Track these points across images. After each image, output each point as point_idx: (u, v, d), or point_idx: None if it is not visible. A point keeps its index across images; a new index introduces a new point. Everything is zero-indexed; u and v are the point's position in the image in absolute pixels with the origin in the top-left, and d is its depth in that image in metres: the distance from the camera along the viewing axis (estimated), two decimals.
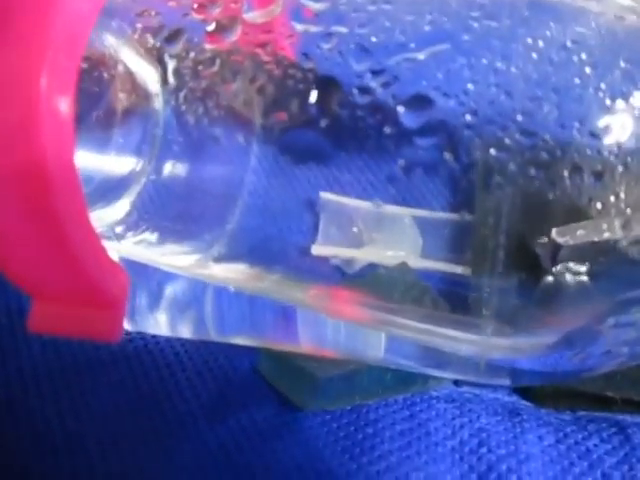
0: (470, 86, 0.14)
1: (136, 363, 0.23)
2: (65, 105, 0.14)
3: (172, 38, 0.16)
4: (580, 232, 0.15)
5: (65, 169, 0.15)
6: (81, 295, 0.16)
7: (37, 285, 0.16)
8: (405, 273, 0.17)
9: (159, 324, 0.20)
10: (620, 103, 0.13)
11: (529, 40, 0.14)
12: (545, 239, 0.15)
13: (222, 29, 0.16)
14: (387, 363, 0.20)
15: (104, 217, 0.18)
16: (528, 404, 0.23)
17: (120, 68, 0.17)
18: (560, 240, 0.15)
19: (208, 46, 0.16)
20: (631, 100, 0.13)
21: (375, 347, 0.18)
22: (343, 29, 0.15)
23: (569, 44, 0.13)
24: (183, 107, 0.16)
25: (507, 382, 0.17)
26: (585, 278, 0.15)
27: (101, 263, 0.16)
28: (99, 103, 0.17)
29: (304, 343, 0.19)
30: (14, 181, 0.14)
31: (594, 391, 0.21)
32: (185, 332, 0.20)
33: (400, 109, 0.14)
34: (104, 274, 0.16)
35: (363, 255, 0.18)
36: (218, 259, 0.18)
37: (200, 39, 0.16)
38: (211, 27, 0.16)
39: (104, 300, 0.16)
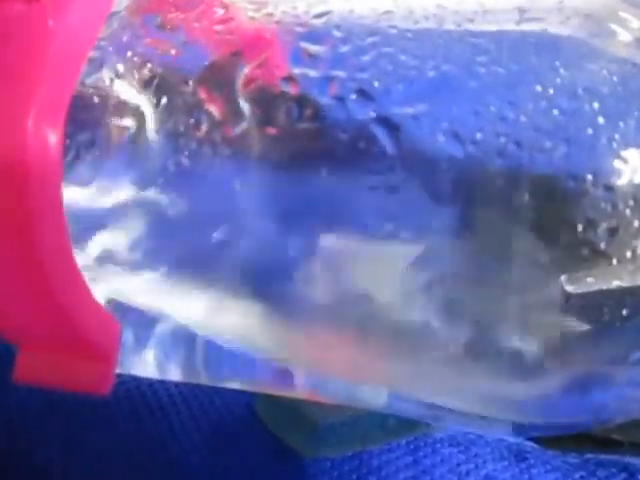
0: (478, 135, 0.13)
1: (128, 406, 0.23)
2: (54, 141, 0.13)
3: (162, 81, 0.16)
4: (590, 280, 0.14)
5: (52, 213, 0.14)
6: (69, 346, 0.15)
7: (22, 334, 0.15)
8: None
9: (146, 366, 0.19)
10: (635, 154, 0.13)
11: (538, 87, 0.13)
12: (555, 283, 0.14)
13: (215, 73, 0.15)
14: (389, 411, 0.19)
15: (94, 254, 0.17)
16: (534, 445, 0.22)
17: (112, 97, 0.17)
18: (569, 288, 0.14)
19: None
20: None
21: (376, 396, 0.17)
22: (342, 73, 0.14)
23: (580, 92, 0.13)
24: (176, 137, 0.16)
25: (509, 432, 0.17)
26: (595, 326, 0.14)
27: (90, 313, 0.15)
28: (88, 134, 0.16)
29: (301, 391, 0.18)
30: None
31: (601, 434, 0.21)
32: (175, 375, 0.19)
33: (406, 157, 0.13)
34: (93, 324, 0.15)
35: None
36: (218, 300, 0.17)
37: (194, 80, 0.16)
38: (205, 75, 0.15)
39: (94, 352, 0.15)
